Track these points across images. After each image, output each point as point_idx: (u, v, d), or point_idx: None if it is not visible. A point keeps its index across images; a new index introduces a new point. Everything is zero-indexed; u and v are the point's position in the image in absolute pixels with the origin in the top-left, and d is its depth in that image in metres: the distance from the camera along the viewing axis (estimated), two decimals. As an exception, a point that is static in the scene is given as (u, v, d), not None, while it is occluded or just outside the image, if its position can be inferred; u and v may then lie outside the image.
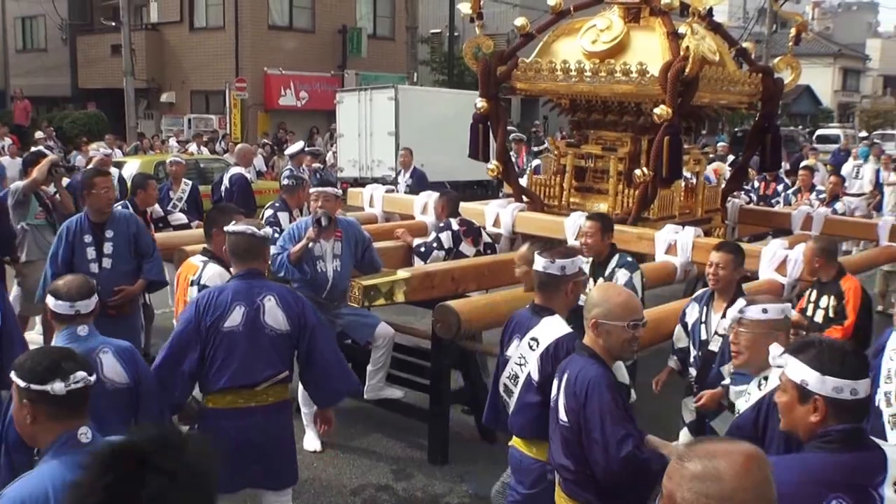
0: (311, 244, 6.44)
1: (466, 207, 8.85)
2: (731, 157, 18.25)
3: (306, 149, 15.29)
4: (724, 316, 5.15)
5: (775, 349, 2.96)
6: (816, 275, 6.33)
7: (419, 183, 11.77)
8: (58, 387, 2.80)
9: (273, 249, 6.98)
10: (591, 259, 6.05)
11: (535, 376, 4.10)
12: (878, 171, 16.78)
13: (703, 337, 5.32)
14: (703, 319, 5.37)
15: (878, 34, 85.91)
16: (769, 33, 38.82)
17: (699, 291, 5.73)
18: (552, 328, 4.14)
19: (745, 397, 3.80)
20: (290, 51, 29.23)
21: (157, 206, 9.06)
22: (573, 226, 7.84)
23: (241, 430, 4.44)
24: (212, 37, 29.76)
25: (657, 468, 3.52)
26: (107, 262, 6.51)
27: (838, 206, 11.24)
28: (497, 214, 8.52)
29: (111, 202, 6.78)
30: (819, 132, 41.33)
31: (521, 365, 4.20)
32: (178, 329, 4.55)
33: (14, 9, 34.25)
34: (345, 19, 30.81)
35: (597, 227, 6.11)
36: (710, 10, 8.11)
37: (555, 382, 3.78)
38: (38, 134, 21.92)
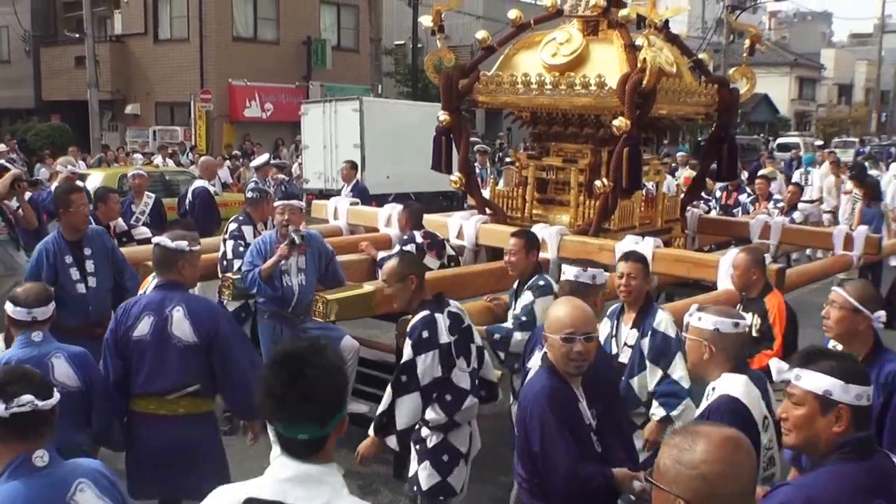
0: (283, 263, 6.49)
1: (430, 219, 8.81)
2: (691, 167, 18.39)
3: (271, 161, 15.22)
4: (633, 327, 5.16)
5: (777, 364, 2.97)
6: (748, 288, 6.02)
7: (361, 196, 11.57)
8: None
9: (239, 264, 6.98)
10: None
11: None
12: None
13: (614, 351, 5.22)
14: (614, 333, 5.30)
15: (832, 44, 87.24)
16: (727, 43, 39.23)
17: (613, 307, 5.54)
18: None
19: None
20: (254, 62, 29.12)
21: (120, 220, 8.96)
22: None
23: (154, 436, 4.58)
24: (176, 48, 29.58)
25: (597, 484, 3.54)
26: (92, 281, 6.29)
27: (796, 214, 11.38)
28: (460, 226, 8.48)
29: (87, 219, 6.64)
30: (779, 141, 42.14)
31: None
32: (105, 337, 4.73)
33: (-24, 21, 33.85)
34: (309, 31, 30.75)
35: (521, 245, 5.87)
36: (667, 22, 8.15)
37: None
38: (1, 147, 21.57)
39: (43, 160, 20.02)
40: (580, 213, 8.18)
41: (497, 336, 5.60)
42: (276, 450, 2.41)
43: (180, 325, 4.53)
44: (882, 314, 4.01)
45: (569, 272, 4.47)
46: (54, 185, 10.76)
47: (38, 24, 33.04)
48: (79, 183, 9.66)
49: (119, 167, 20.12)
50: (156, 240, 4.83)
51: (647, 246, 7.27)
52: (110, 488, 2.93)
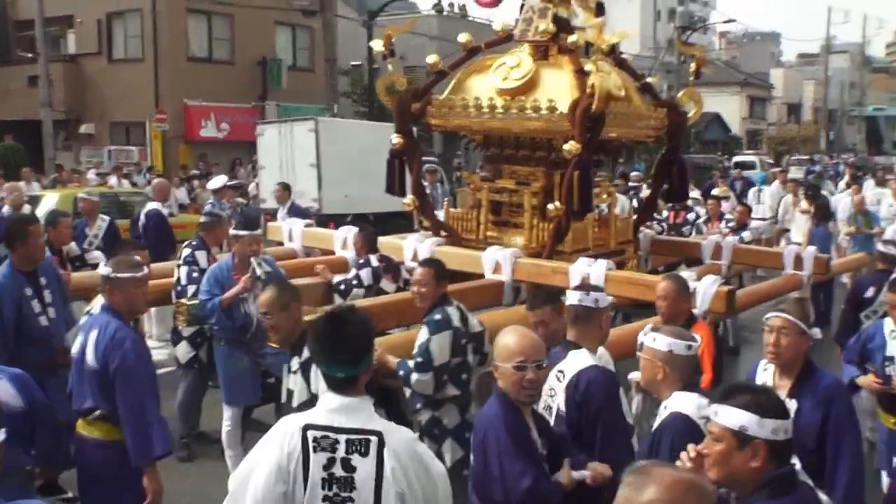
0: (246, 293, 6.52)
1: (385, 242, 8.79)
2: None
3: (228, 182, 15.10)
4: None
5: (697, 400, 2.98)
6: (675, 318, 5.50)
7: (298, 217, 11.18)
8: None
9: (193, 290, 6.94)
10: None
11: (563, 408, 4.12)
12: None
13: None
14: None
15: (780, 64, 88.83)
16: (679, 63, 39.80)
17: None
18: (577, 360, 4.19)
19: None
20: (210, 82, 28.97)
21: (73, 245, 8.83)
22: (490, 260, 7.88)
23: (76, 453, 4.70)
24: (131, 68, 29.33)
25: (559, 500, 3.58)
26: (52, 312, 6.05)
27: (746, 234, 11.50)
28: (415, 249, 8.47)
29: (44, 250, 6.42)
30: (736, 159, 42.69)
31: (551, 397, 4.21)
32: None
33: (-73, 40, 33.33)
34: (264, 51, 30.67)
35: (429, 275, 5.50)
36: (614, 46, 8.21)
37: None
38: (-48, 167, 21.23)
39: (-6, 180, 19.61)
40: (534, 235, 8.21)
41: (401, 373, 5.38)
42: (322, 386, 3.35)
43: (90, 348, 4.52)
44: (818, 331, 4.23)
45: (572, 297, 4.40)
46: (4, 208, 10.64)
47: (-9, 44, 32.64)
48: (30, 211, 9.54)
49: (74, 187, 19.83)
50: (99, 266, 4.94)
51: (599, 268, 7.31)
52: None
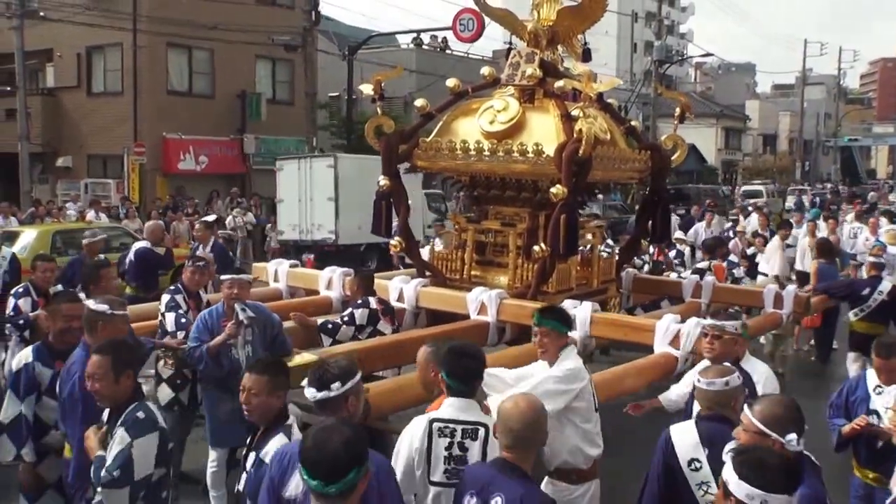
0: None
1: (369, 282, 8.90)
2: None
3: (203, 219, 14.38)
4: None
5: None
6: (429, 386, 4.74)
7: (221, 256, 11.01)
8: None
9: (182, 335, 6.96)
10: None
11: None
12: None
13: None
14: None
15: (756, 95, 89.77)
16: (655, 95, 40.17)
17: None
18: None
19: None
20: (189, 115, 28.97)
21: (59, 287, 8.77)
22: (475, 300, 7.96)
23: None
24: (110, 101, 29.29)
25: None
26: None
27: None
28: (401, 289, 8.55)
29: (115, 290, 7.13)
30: (745, 188, 46.45)
31: None
32: None
33: None
34: (244, 84, 30.70)
35: (107, 366, 4.31)
36: (601, 93, 8.38)
37: None
38: (-74, 201, 21.07)
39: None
40: (518, 275, 8.32)
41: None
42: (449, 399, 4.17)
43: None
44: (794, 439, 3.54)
45: (703, 383, 4.39)
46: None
47: (-32, 77, 32.55)
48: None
49: (52, 222, 19.80)
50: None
51: (584, 311, 7.42)
52: None
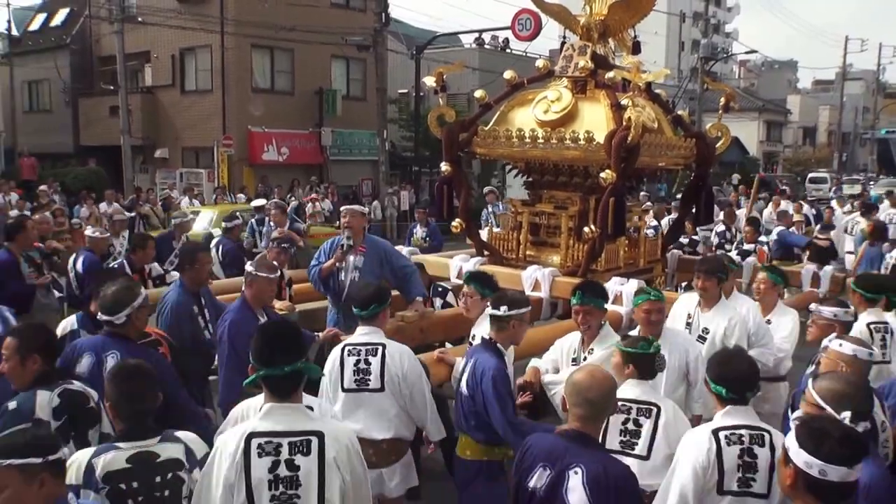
0: (337, 264, 6.94)
1: (430, 260, 8.84)
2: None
3: (269, 202, 14.22)
4: None
5: None
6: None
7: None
8: None
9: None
10: None
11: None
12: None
13: None
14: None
15: (797, 90, 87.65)
16: (701, 91, 39.42)
17: None
18: None
19: None
20: (271, 111, 29.22)
21: (155, 265, 8.87)
22: (530, 278, 7.87)
23: None
24: (201, 98, 29.69)
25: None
26: (211, 328, 6.12)
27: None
28: (460, 267, 8.47)
29: (209, 274, 6.76)
30: (811, 175, 47.80)
31: None
32: None
33: (22, 73, 33.96)
34: (321, 82, 30.88)
35: (14, 347, 4.07)
36: (649, 83, 8.17)
37: None
38: (42, 187, 21.50)
39: (83, 201, 19.89)
40: (569, 254, 8.17)
41: None
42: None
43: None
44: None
45: (846, 348, 4.09)
46: (88, 228, 10.71)
47: (77, 78, 33.21)
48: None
49: (227, 203, 21.41)
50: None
51: (631, 287, 7.28)
52: None
